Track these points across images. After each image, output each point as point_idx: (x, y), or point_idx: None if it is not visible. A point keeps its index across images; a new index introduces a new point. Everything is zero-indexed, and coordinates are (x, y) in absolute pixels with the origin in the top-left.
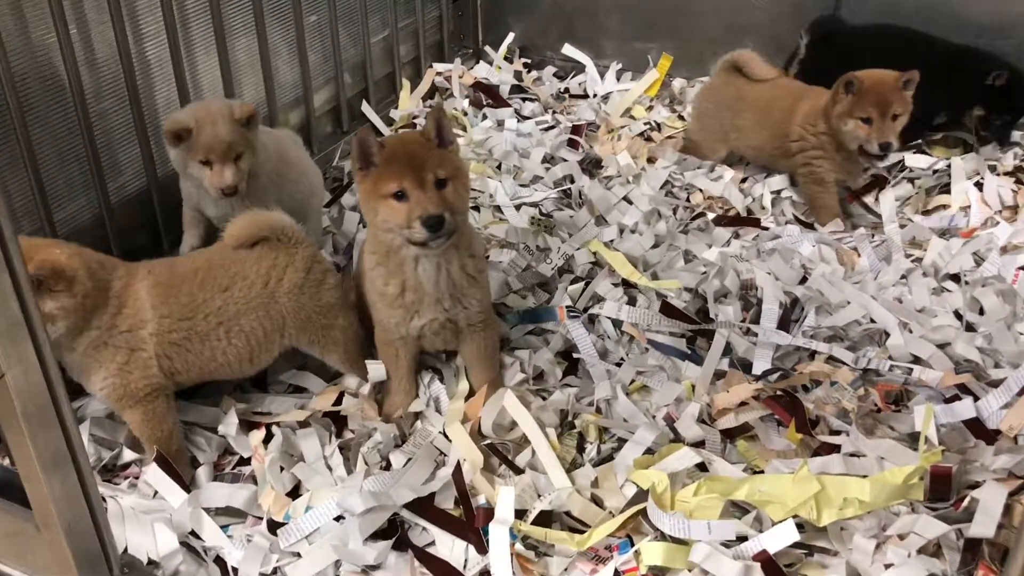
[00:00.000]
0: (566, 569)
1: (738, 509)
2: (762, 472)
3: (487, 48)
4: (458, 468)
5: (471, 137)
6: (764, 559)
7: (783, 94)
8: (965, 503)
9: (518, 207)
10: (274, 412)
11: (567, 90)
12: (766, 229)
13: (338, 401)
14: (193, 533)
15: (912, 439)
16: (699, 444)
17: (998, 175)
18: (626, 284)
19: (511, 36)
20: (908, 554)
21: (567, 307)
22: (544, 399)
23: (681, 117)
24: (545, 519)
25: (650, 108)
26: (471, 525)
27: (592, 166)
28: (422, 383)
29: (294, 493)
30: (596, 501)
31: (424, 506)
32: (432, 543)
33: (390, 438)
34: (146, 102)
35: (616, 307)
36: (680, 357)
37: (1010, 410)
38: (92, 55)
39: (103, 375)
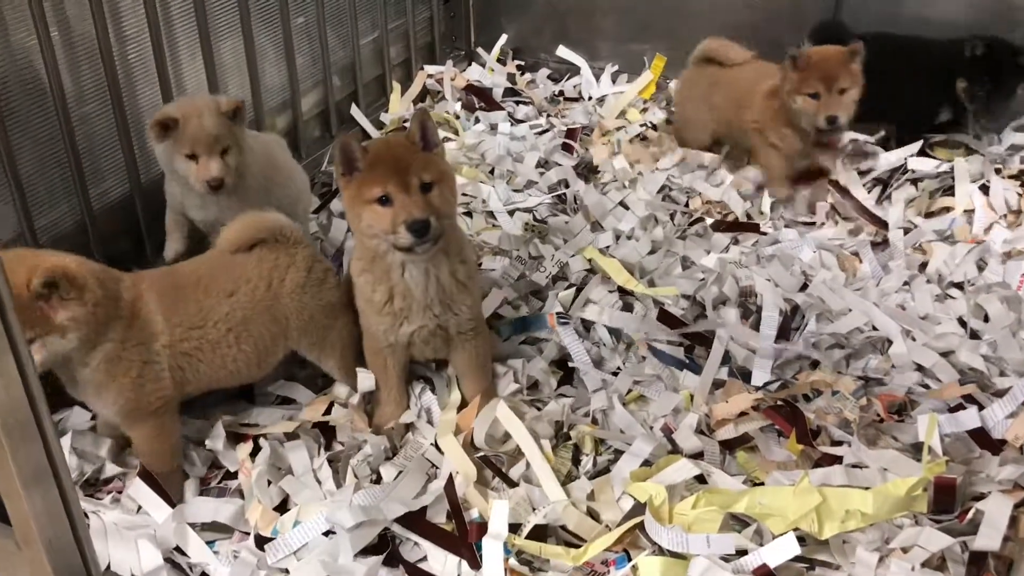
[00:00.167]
0: None
1: (738, 522)
2: (762, 484)
3: (479, 50)
4: (450, 481)
5: (463, 141)
6: (764, 573)
7: (751, 75)
8: (970, 515)
9: (512, 213)
10: (261, 424)
11: (561, 93)
12: (765, 234)
13: (327, 412)
14: (178, 549)
15: (915, 450)
16: (698, 456)
17: (1003, 178)
18: (622, 291)
19: (504, 37)
20: (912, 567)
21: (557, 314)
22: (538, 409)
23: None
24: (540, 533)
25: (644, 110)
26: (464, 540)
27: (587, 171)
28: (413, 393)
29: (282, 507)
30: (592, 515)
31: (416, 520)
32: (424, 558)
33: (380, 450)
34: (129, 106)
35: (599, 311)
36: (678, 366)
37: (1016, 420)
38: (74, 58)
39: (117, 390)
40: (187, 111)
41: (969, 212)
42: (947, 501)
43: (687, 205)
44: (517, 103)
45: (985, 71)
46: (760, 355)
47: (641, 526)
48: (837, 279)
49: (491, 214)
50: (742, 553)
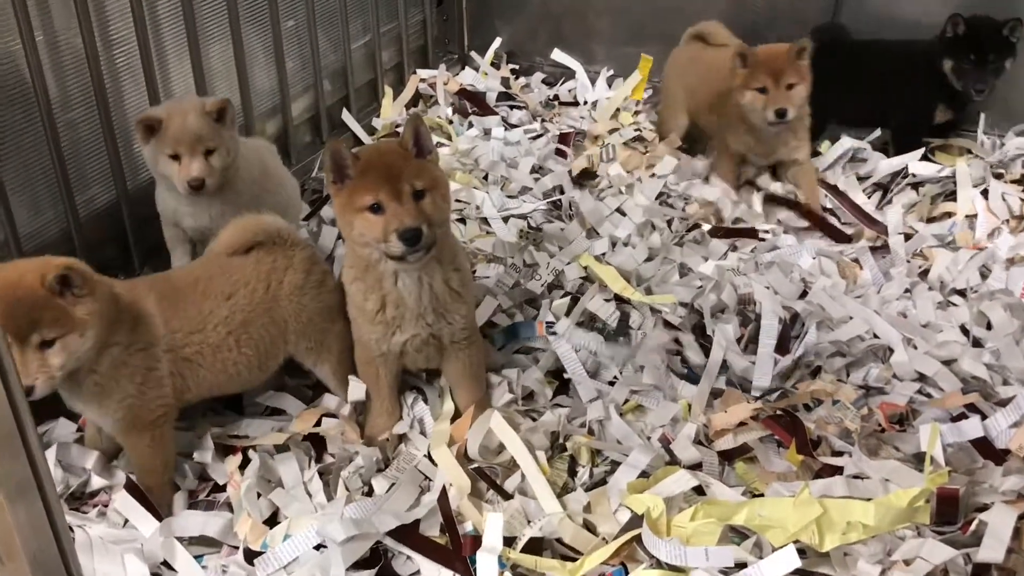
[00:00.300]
0: None
1: (737, 534)
2: (762, 495)
3: (473, 54)
4: (444, 493)
5: (456, 146)
6: None
7: (726, 64)
8: (973, 527)
9: (506, 219)
10: (251, 436)
11: (556, 97)
12: (763, 240)
13: (318, 423)
14: (165, 564)
15: (917, 460)
16: (696, 466)
17: (1005, 182)
18: (619, 299)
19: (498, 41)
20: None
21: (547, 323)
22: (534, 420)
23: None
24: (535, 546)
25: (637, 112)
26: (458, 553)
27: (582, 176)
28: (405, 404)
29: (272, 521)
30: (588, 527)
31: (408, 533)
32: (417, 572)
33: (372, 462)
34: (116, 111)
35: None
36: (676, 375)
37: (1019, 429)
38: (59, 62)
39: (120, 397)
40: (172, 112)
41: (971, 217)
42: (950, 512)
43: (685, 209)
44: (511, 108)
45: (969, 48)
46: (759, 364)
47: (638, 539)
48: (837, 286)
49: (485, 221)
50: (741, 566)
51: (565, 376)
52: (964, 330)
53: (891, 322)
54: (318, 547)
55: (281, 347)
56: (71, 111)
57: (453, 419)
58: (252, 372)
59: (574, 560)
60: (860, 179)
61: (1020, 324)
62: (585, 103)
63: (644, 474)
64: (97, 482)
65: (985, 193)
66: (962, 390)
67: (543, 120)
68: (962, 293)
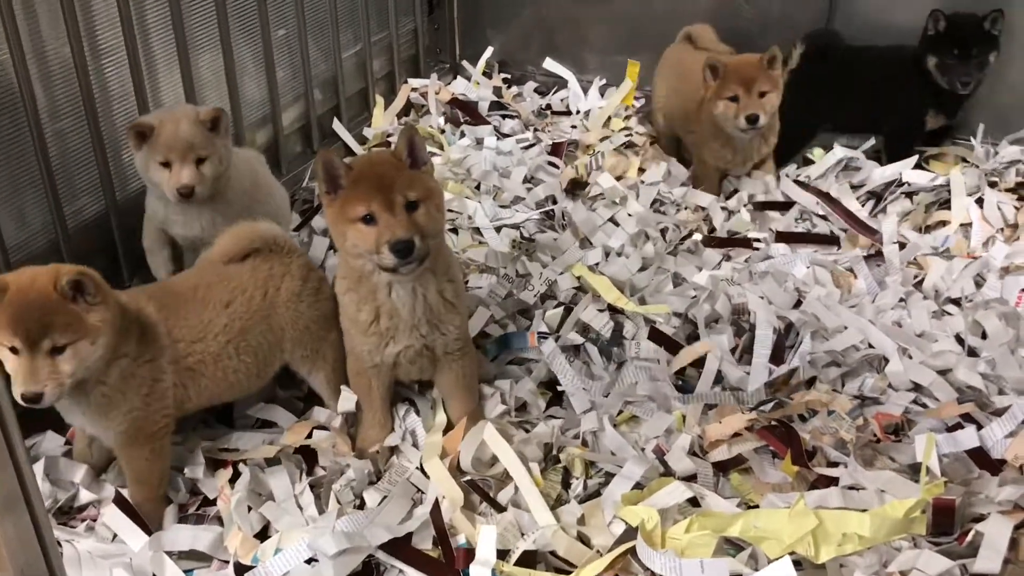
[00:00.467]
0: None
1: (732, 546)
2: (757, 507)
3: (465, 63)
4: (436, 506)
5: (448, 156)
6: None
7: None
8: (969, 537)
9: (498, 229)
10: (241, 449)
11: (549, 106)
12: (757, 249)
13: (309, 436)
14: None
15: (913, 470)
16: (691, 478)
17: (999, 191)
18: (612, 310)
19: (490, 50)
20: None
21: (539, 333)
22: (527, 432)
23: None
24: (529, 559)
25: (628, 118)
26: (451, 567)
27: (574, 186)
28: (397, 416)
29: (263, 535)
30: (583, 539)
31: (401, 547)
32: None
33: (364, 475)
34: (104, 121)
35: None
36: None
37: (1015, 439)
38: (47, 72)
39: (127, 409)
40: (164, 119)
41: (965, 226)
42: (946, 523)
43: (676, 215)
44: (503, 117)
45: (952, 43)
46: (754, 374)
47: (633, 551)
48: (832, 296)
49: (477, 231)
50: None
51: (558, 387)
52: (959, 339)
53: (886, 332)
54: (309, 561)
55: (278, 354)
56: (59, 121)
57: (446, 431)
58: (251, 380)
59: (568, 573)
60: (854, 188)
61: (1015, 333)
62: (577, 112)
63: (638, 486)
64: (85, 496)
65: (980, 202)
66: (957, 400)
67: (535, 129)
68: (957, 302)
